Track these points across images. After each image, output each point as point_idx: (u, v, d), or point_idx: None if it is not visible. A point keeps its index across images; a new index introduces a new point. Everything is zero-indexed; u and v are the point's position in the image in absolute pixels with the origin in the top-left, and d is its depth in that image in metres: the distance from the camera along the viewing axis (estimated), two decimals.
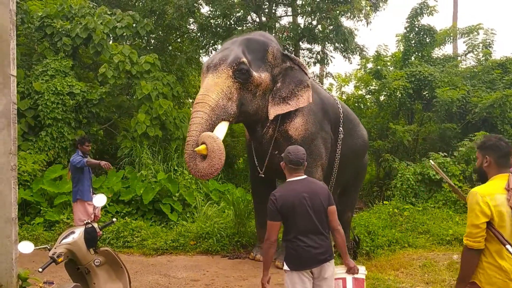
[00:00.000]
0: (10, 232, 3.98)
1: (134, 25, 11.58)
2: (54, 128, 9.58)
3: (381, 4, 13.88)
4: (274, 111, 5.66)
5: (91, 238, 3.35)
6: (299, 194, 3.30)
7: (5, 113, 4.00)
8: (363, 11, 12.25)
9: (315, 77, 16.24)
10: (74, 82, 10.05)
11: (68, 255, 3.28)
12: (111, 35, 11.41)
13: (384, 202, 9.65)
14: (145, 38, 13.74)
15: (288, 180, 3.45)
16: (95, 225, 3.42)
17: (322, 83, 16.12)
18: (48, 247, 3.36)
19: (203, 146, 4.84)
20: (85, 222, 3.45)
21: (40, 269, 3.10)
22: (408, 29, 12.96)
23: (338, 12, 11.88)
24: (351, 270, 3.46)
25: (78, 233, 3.36)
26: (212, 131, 5.07)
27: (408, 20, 12.85)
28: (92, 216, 6.23)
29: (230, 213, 7.71)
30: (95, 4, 12.16)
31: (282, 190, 3.38)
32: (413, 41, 13.02)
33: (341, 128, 6.45)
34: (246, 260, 6.66)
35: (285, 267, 3.35)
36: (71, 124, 9.88)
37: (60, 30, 10.68)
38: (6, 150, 4.00)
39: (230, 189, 9.50)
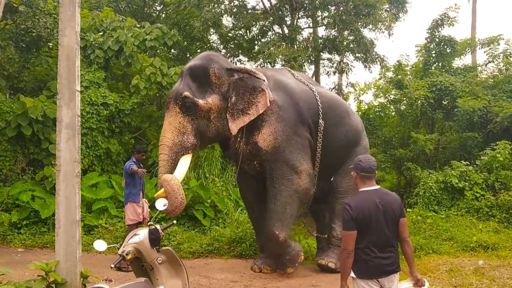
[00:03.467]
0: (74, 233, 4.38)
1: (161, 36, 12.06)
2: (89, 137, 10.01)
3: (401, 15, 14.22)
4: (235, 126, 5.80)
5: (154, 238, 3.71)
6: (375, 204, 3.31)
7: (71, 125, 4.41)
8: (385, 23, 12.57)
9: (335, 86, 16.58)
10: (107, 93, 10.51)
11: (135, 253, 3.64)
12: (140, 47, 11.89)
13: (407, 209, 9.86)
14: (172, 48, 14.21)
15: (361, 189, 3.45)
16: (158, 226, 3.78)
17: (341, 92, 16.43)
18: (117, 246, 3.73)
19: (161, 190, 5.33)
20: (148, 224, 3.81)
21: (112, 265, 3.46)
22: (428, 39, 13.19)
23: (360, 24, 12.22)
24: (418, 283, 3.42)
25: (143, 234, 3.72)
26: (175, 169, 5.54)
27: (429, 31, 13.08)
28: (141, 217, 6.77)
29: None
30: (124, 18, 12.68)
31: (356, 200, 3.39)
32: (434, 52, 13.24)
33: (320, 121, 6.33)
34: None
35: (352, 274, 3.36)
36: (104, 133, 10.32)
37: (93, 43, 11.18)
38: (71, 158, 4.40)
39: None
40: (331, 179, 6.76)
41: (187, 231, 8.40)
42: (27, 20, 9.85)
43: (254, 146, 5.98)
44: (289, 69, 7.04)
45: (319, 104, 6.37)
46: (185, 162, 5.68)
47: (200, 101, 5.73)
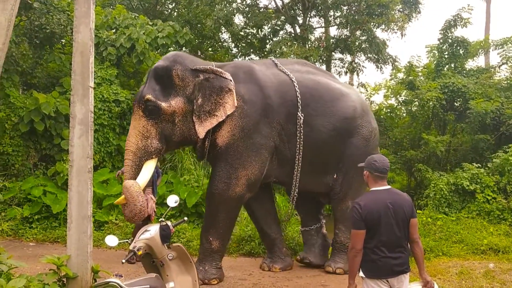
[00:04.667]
0: (86, 228, 4.40)
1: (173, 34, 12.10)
2: (100, 134, 10.07)
3: (414, 15, 14.15)
4: (202, 129, 5.58)
5: (165, 234, 3.75)
6: (385, 204, 3.31)
7: (84, 121, 4.44)
8: (398, 23, 12.52)
9: None
10: (119, 90, 10.57)
11: (146, 249, 3.67)
12: (152, 44, 11.93)
13: (417, 211, 9.82)
14: (184, 47, 14.26)
15: (372, 189, 3.46)
16: (169, 223, 3.81)
17: None
18: (128, 242, 3.76)
19: (122, 197, 5.29)
20: (160, 220, 3.84)
21: (123, 260, 3.50)
22: (441, 40, 13.11)
23: (373, 24, 12.18)
24: (428, 285, 3.43)
25: (154, 230, 3.75)
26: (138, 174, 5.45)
27: (442, 32, 13.01)
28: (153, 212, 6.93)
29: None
30: (136, 15, 12.75)
31: (366, 199, 3.40)
32: (446, 53, 13.16)
33: (299, 113, 5.96)
34: None
35: (361, 273, 3.37)
36: (115, 130, 10.38)
37: (105, 40, 11.25)
38: (84, 154, 4.43)
39: None
40: (334, 176, 6.40)
41: (196, 228, 8.42)
42: (41, 16, 9.93)
43: (213, 142, 5.76)
44: (274, 59, 6.63)
45: (298, 95, 5.99)
46: (149, 167, 5.52)
47: (163, 104, 5.52)
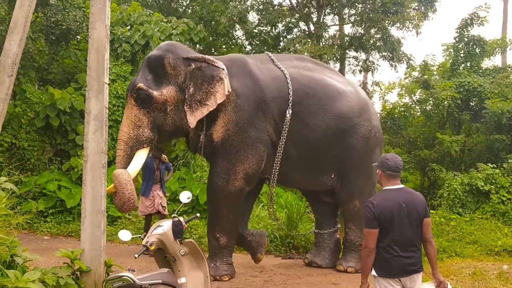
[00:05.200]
0: (99, 222, 4.46)
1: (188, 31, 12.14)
2: (115, 129, 10.14)
3: (430, 14, 14.02)
4: (193, 118, 5.50)
5: (178, 230, 3.77)
6: (398, 203, 3.29)
7: (99, 116, 4.49)
8: (413, 22, 12.41)
9: (360, 85, 16.44)
10: None
11: (158, 244, 3.70)
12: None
13: (430, 211, 9.74)
14: (198, 44, 14.31)
15: (385, 188, 3.44)
16: (181, 219, 3.83)
17: (366, 91, 16.28)
18: (141, 237, 3.80)
19: (111, 185, 5.28)
20: (172, 216, 3.87)
21: (136, 255, 3.53)
22: (457, 39, 12.96)
23: (388, 22, 12.10)
24: (441, 285, 3.39)
25: (167, 225, 3.78)
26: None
27: (458, 31, 12.85)
28: (150, 209, 7.10)
29: (282, 216, 8.03)
30: (151, 12, 12.82)
31: (379, 198, 3.39)
32: (462, 52, 13.01)
33: (288, 110, 5.81)
34: (298, 260, 6.98)
35: (374, 272, 3.36)
36: None
37: (120, 37, 11.34)
38: (99, 149, 4.48)
39: (279, 192, 9.82)
40: (332, 176, 6.29)
41: None
42: (57, 13, 10.04)
43: (209, 138, 5.70)
44: (271, 54, 6.50)
45: (290, 92, 5.83)
46: (139, 156, 5.50)
47: (155, 93, 5.47)
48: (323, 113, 6.00)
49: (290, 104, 5.81)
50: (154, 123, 5.57)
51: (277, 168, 5.95)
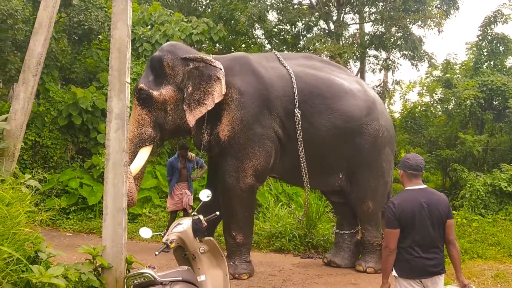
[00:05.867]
0: (121, 220, 4.50)
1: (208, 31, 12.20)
2: None
3: (452, 12, 13.80)
4: (192, 117, 5.60)
5: (198, 228, 3.79)
6: (419, 204, 3.26)
7: (120, 115, 4.54)
8: (435, 20, 12.25)
9: (381, 84, 16.29)
10: None
11: (178, 242, 3.74)
12: (187, 41, 12.08)
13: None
14: (217, 43, 14.36)
15: (407, 188, 3.41)
16: (201, 217, 3.86)
17: (387, 90, 16.11)
18: (162, 234, 3.84)
19: None
20: (192, 214, 3.90)
21: (157, 252, 3.57)
22: (480, 37, 12.75)
23: (409, 20, 11.96)
24: None
25: (186, 223, 3.81)
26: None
27: (481, 29, 12.64)
28: (178, 205, 7.24)
29: (301, 215, 8.01)
30: (172, 12, 12.91)
31: (400, 198, 3.36)
32: (485, 50, 12.79)
33: (296, 110, 5.81)
34: (317, 260, 6.96)
35: (394, 273, 3.34)
36: None
37: (141, 36, 11.45)
38: (120, 148, 4.53)
39: (298, 191, 9.81)
40: (340, 176, 6.24)
41: None
42: (79, 13, 10.19)
43: (216, 138, 5.78)
44: (277, 52, 6.49)
45: (295, 91, 5.82)
46: (142, 154, 5.67)
47: (154, 93, 5.64)
48: (329, 113, 5.96)
49: (297, 104, 5.81)
50: (156, 122, 5.74)
51: (305, 168, 5.95)
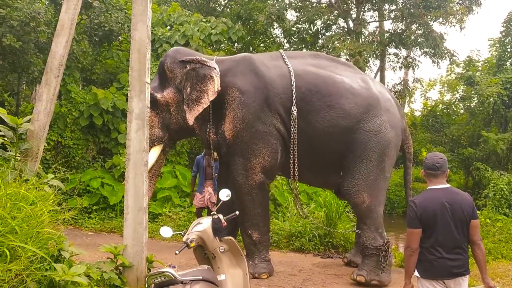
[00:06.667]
0: (141, 219, 4.56)
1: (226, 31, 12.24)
2: None
3: (474, 8, 13.56)
4: (191, 116, 5.82)
5: (217, 227, 3.79)
6: (441, 203, 3.21)
7: (141, 115, 4.59)
8: (457, 16, 12.06)
9: (401, 82, 16.09)
10: None
11: (198, 241, 3.75)
12: (206, 41, 12.12)
13: None
14: (236, 43, 14.39)
15: (429, 187, 3.37)
16: (221, 216, 3.86)
17: (407, 88, 15.89)
18: (182, 234, 3.85)
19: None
20: (212, 214, 3.90)
21: (177, 252, 3.58)
22: (503, 33, 12.50)
23: (430, 17, 11.79)
24: None
25: (206, 223, 3.82)
26: None
27: (504, 25, 12.39)
28: (202, 203, 7.40)
29: (321, 214, 7.98)
30: (190, 12, 12.97)
31: (422, 198, 3.32)
32: (509, 46, 12.54)
33: (293, 108, 5.78)
34: (337, 260, 6.91)
35: (416, 273, 3.30)
36: None
37: (160, 37, 11.53)
38: (140, 148, 4.58)
39: (318, 191, 9.76)
40: (340, 174, 6.01)
41: None
42: (100, 15, 10.32)
43: (221, 136, 5.92)
44: (283, 51, 6.44)
45: (293, 89, 5.81)
46: (151, 153, 5.82)
47: (158, 96, 5.94)
48: (325, 111, 5.87)
49: (294, 101, 5.83)
50: (163, 123, 6.06)
51: (295, 165, 5.92)
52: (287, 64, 6.05)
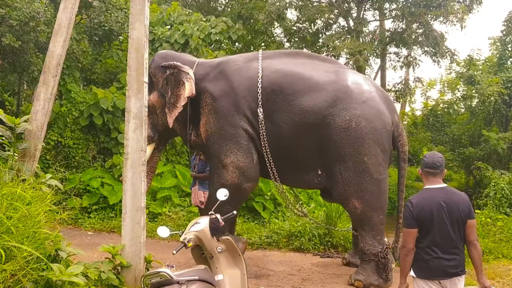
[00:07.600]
0: (139, 219, 4.55)
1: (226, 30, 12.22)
2: None
3: (474, 7, 13.53)
4: (170, 119, 6.10)
5: (215, 227, 3.78)
6: (438, 203, 3.20)
7: (138, 115, 4.58)
8: (457, 15, 12.03)
9: (402, 81, 16.05)
10: None
11: (195, 241, 3.73)
12: (206, 40, 12.10)
13: (476, 211, 9.42)
14: (236, 42, 14.38)
15: (425, 187, 3.35)
16: (218, 216, 3.85)
17: (408, 87, 15.84)
18: (179, 233, 3.84)
19: None
20: (209, 213, 3.89)
21: (174, 251, 3.57)
22: (504, 32, 12.46)
23: (430, 16, 11.77)
24: None
25: (204, 222, 3.80)
26: None
27: (505, 23, 12.35)
28: (193, 201, 7.36)
29: (321, 214, 7.96)
30: (191, 11, 12.96)
31: (419, 197, 3.31)
32: (510, 45, 12.50)
33: (259, 109, 5.80)
34: (337, 259, 6.89)
35: (412, 273, 3.30)
36: None
37: (160, 36, 11.51)
38: (138, 147, 4.57)
39: (317, 191, 9.73)
40: (319, 172, 5.85)
41: (246, 222, 8.51)
42: (100, 15, 10.31)
43: (200, 138, 6.21)
44: (261, 52, 6.40)
45: (259, 90, 5.80)
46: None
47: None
48: (288, 110, 5.79)
49: (260, 103, 5.86)
50: (152, 124, 6.31)
51: (272, 167, 5.95)
52: (258, 66, 6.03)
